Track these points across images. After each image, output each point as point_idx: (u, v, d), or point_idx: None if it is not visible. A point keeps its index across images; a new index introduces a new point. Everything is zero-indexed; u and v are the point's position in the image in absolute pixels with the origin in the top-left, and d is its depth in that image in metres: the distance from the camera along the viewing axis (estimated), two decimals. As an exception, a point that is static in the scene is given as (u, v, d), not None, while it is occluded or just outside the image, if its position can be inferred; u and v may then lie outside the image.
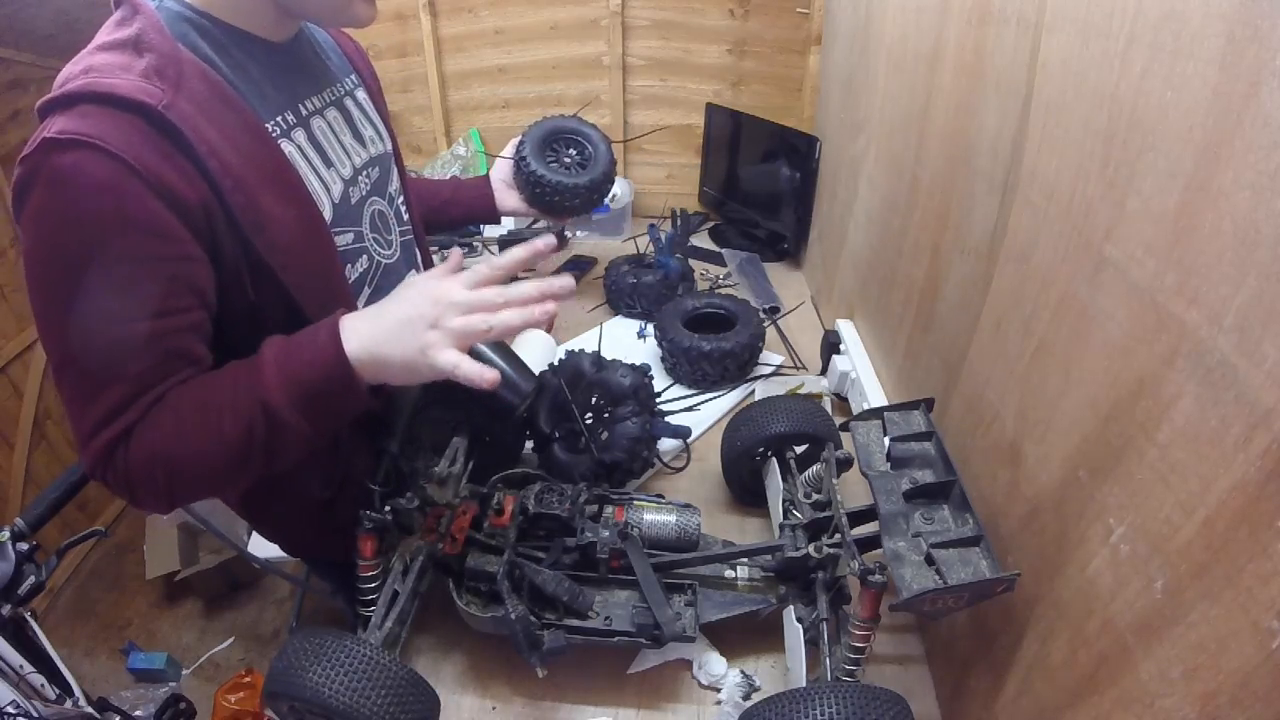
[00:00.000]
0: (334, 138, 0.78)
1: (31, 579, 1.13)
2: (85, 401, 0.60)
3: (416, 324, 0.61)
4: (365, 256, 0.82)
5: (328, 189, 0.74)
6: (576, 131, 1.36)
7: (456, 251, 0.71)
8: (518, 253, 0.65)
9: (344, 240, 0.78)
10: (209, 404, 0.61)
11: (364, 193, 0.83)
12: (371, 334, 0.62)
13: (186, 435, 0.61)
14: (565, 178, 1.26)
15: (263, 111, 0.67)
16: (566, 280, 0.65)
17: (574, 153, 1.35)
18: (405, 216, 0.95)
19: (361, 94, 0.88)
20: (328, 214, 0.73)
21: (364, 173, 0.83)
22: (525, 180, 1.25)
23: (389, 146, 0.91)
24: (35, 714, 1.10)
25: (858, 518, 0.78)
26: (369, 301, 0.83)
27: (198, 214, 0.59)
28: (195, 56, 0.62)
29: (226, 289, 0.65)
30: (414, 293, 0.64)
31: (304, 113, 0.74)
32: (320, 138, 0.76)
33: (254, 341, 0.64)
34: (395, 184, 0.93)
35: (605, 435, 0.99)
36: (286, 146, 0.69)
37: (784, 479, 0.92)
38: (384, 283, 0.85)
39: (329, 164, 0.76)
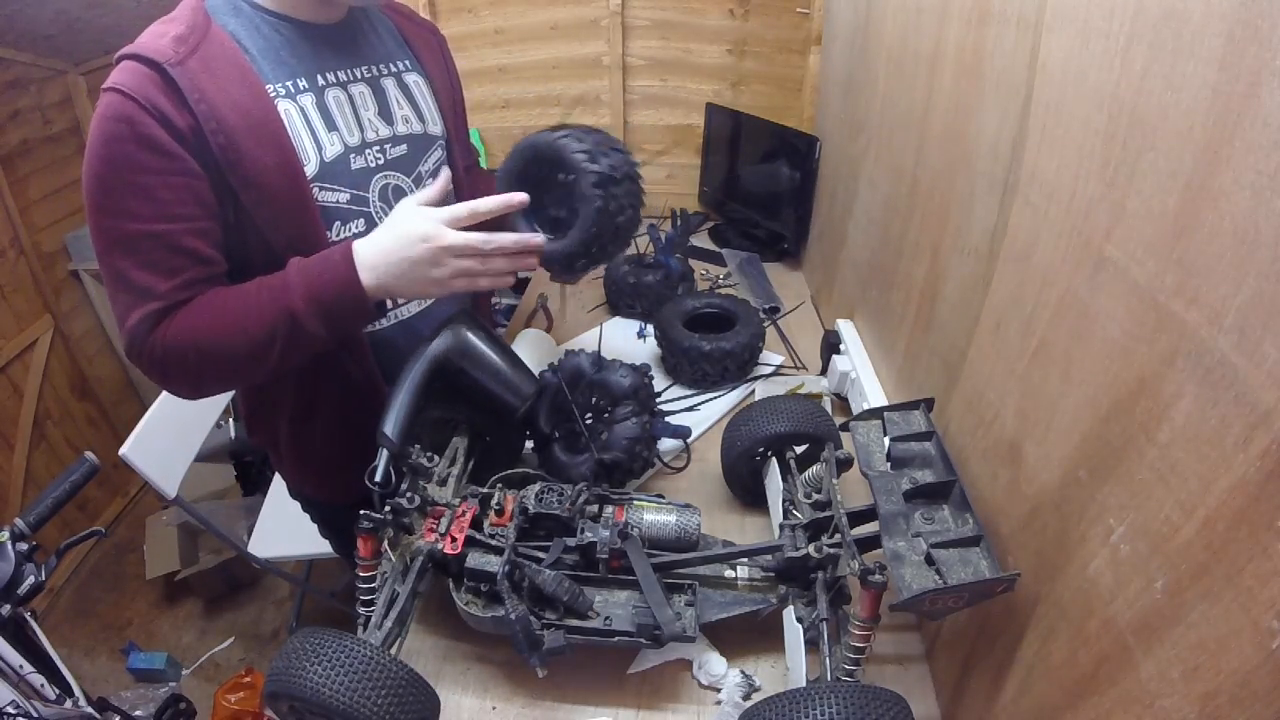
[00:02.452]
0: (349, 109, 0.87)
1: (31, 579, 1.13)
2: (121, 289, 0.76)
3: (419, 266, 0.77)
4: (363, 220, 0.89)
5: (320, 149, 0.83)
6: (556, 160, 0.88)
7: (445, 174, 0.85)
8: (491, 203, 0.80)
9: (335, 198, 0.85)
10: (241, 306, 0.77)
11: (373, 164, 0.89)
12: (383, 269, 0.77)
13: (219, 326, 0.77)
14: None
15: (271, 75, 0.80)
16: (539, 237, 0.82)
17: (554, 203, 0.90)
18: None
19: (412, 78, 0.96)
20: (311, 169, 0.82)
21: (379, 146, 0.90)
22: None
23: (433, 130, 0.97)
24: (35, 714, 1.11)
25: (858, 518, 0.78)
26: None
27: (191, 142, 0.73)
28: (224, 30, 0.77)
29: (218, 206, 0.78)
30: (406, 233, 0.77)
31: (320, 83, 0.84)
32: (331, 105, 0.85)
33: (241, 258, 0.81)
34: (430, 167, 0.97)
35: (605, 435, 0.99)
36: (285, 105, 0.80)
37: (784, 479, 0.92)
38: None
39: (331, 128, 0.84)
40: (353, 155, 0.86)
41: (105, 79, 0.74)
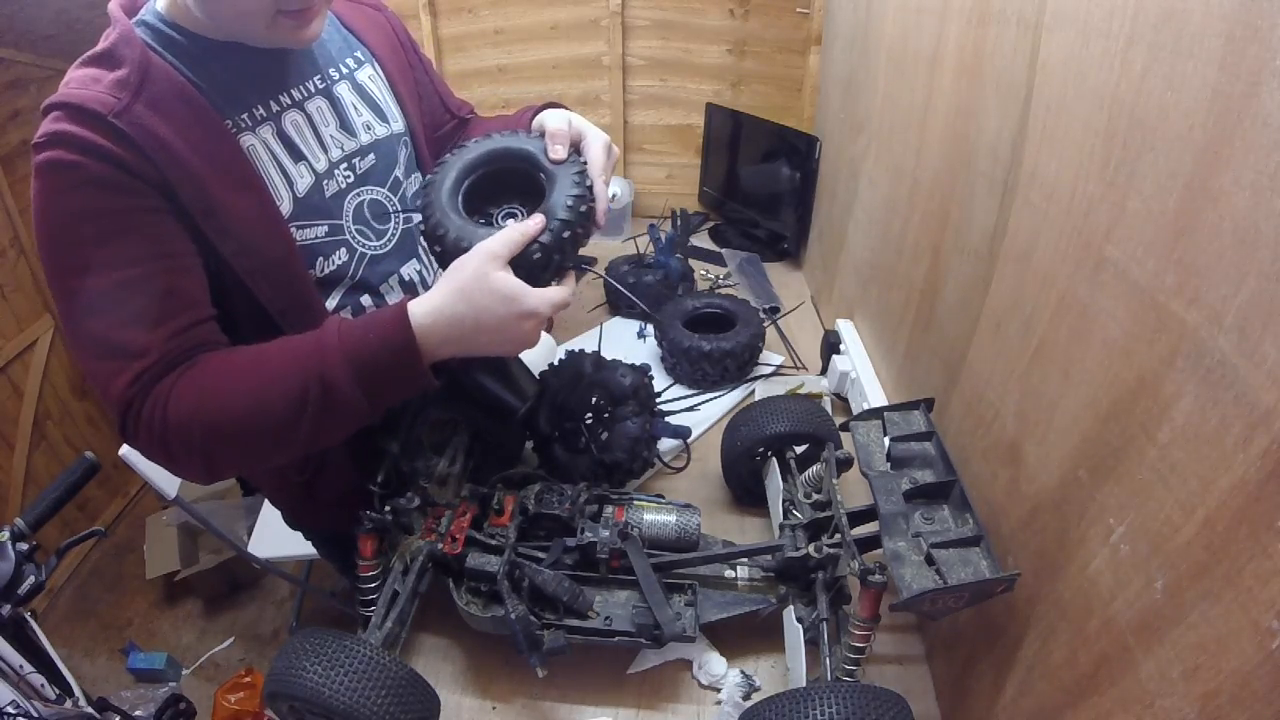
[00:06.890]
0: (310, 131, 0.79)
1: (31, 579, 1.13)
2: (99, 355, 0.66)
3: (509, 330, 0.69)
4: (344, 249, 0.82)
5: (291, 184, 0.76)
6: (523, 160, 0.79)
7: (532, 224, 0.72)
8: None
9: (314, 234, 0.78)
10: (261, 370, 0.67)
11: (344, 184, 0.82)
12: (454, 335, 0.68)
13: (234, 395, 0.66)
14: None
15: (226, 109, 0.71)
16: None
17: (517, 207, 0.80)
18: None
19: (365, 73, 0.87)
20: (286, 207, 0.75)
21: (346, 164, 0.82)
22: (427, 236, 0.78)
23: (396, 128, 0.89)
24: (35, 714, 1.10)
25: (858, 518, 0.78)
26: (347, 294, 0.84)
27: (159, 186, 0.65)
28: (165, 63, 0.68)
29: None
30: (498, 305, 0.68)
31: (276, 108, 0.76)
32: (291, 132, 0.77)
33: (224, 310, 0.71)
34: (404, 169, 0.90)
35: (605, 435, 0.99)
36: (248, 141, 0.73)
37: (784, 479, 0.92)
38: (369, 274, 0.85)
39: (298, 158, 0.77)
40: (324, 182, 0.79)
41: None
